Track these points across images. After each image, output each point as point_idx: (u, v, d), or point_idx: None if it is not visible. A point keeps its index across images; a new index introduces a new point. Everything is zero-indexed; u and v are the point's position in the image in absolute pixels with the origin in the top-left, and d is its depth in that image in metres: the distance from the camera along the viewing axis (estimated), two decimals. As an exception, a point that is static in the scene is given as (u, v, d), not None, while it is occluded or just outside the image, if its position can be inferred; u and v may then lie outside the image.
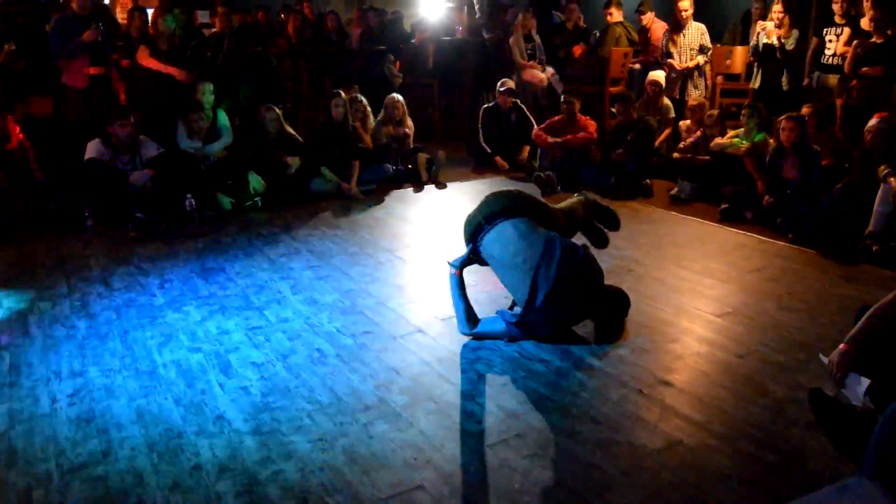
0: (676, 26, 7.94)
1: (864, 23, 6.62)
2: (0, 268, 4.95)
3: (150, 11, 8.16)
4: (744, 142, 6.21)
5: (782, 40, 7.46)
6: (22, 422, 2.98)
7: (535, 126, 7.48)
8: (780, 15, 7.44)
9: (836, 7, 6.96)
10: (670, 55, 7.94)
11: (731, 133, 6.49)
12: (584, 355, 3.48)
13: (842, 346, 2.83)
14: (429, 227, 5.79)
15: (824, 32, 7.06)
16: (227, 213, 6.16)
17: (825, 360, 2.94)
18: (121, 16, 7.94)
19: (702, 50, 7.90)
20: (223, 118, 6.71)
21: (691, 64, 7.88)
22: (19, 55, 6.35)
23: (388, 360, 3.47)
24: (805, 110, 6.07)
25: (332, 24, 9.67)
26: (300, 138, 6.91)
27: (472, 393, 3.15)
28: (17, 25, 6.68)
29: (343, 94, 7.02)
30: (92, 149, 5.79)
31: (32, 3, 7.06)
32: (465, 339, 3.67)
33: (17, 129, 6.10)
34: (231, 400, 3.12)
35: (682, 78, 7.91)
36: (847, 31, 6.85)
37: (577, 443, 2.76)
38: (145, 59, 6.74)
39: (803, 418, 2.90)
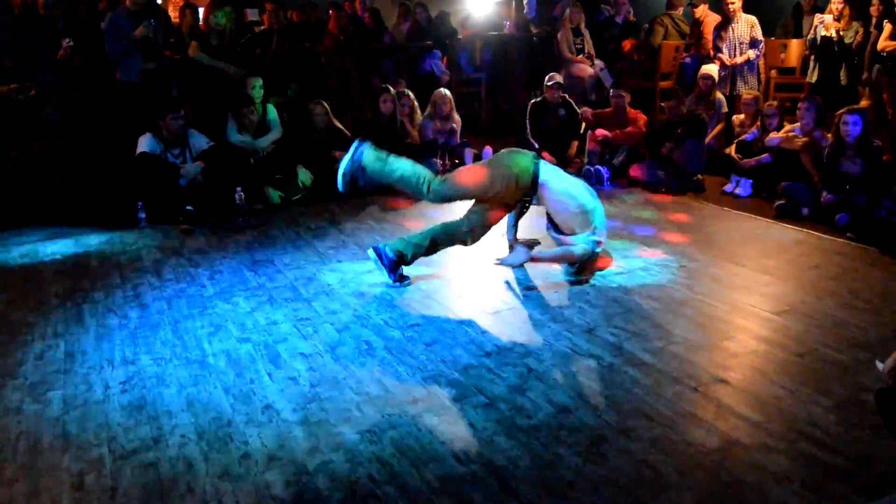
0: (725, 20, 7.75)
1: None
2: (56, 258, 5.06)
3: (200, 9, 8.28)
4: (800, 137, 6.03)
5: (841, 33, 7.24)
6: (76, 408, 3.02)
7: (583, 122, 7.39)
8: (840, 6, 7.22)
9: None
10: (719, 50, 7.75)
11: (787, 127, 6.31)
12: (637, 351, 3.40)
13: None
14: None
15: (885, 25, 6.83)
16: (275, 207, 6.21)
17: (881, 366, 2.82)
18: (173, 13, 8.09)
19: (753, 44, 7.68)
20: (272, 113, 6.76)
21: (740, 59, 7.67)
22: (76, 51, 6.49)
23: (437, 352, 3.44)
24: (864, 104, 5.87)
25: (368, 19, 9.66)
26: (348, 133, 6.93)
27: (522, 387, 3.10)
28: (76, 21, 6.83)
29: (391, 90, 7.01)
30: (143, 142, 5.89)
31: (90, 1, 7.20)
32: (515, 333, 3.63)
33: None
34: (280, 390, 3.12)
35: (731, 73, 7.72)
36: (889, 26, 6.61)
37: (630, 440, 2.69)
38: (196, 54, 6.82)
39: (868, 420, 2.78)
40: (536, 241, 4.55)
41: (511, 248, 4.61)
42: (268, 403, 3.01)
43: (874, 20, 7.04)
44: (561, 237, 4.43)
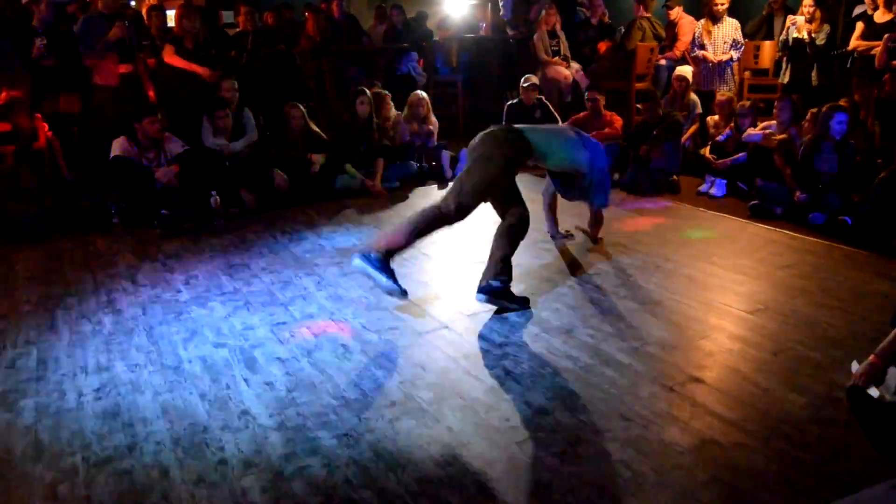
0: (712, 19, 7.85)
1: (877, 16, 6.56)
2: (28, 265, 4.99)
3: (169, 12, 8.22)
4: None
5: (812, 35, 7.34)
6: (48, 416, 2.98)
7: (560, 122, 7.41)
8: (811, 9, 7.32)
9: (867, 1, 6.84)
10: (703, 47, 7.84)
11: (762, 125, 6.38)
12: (613, 352, 3.42)
13: (871, 357, 2.74)
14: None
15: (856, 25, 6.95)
16: (251, 211, 6.17)
17: (855, 367, 2.85)
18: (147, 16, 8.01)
19: (734, 45, 7.80)
20: (248, 116, 6.72)
21: (724, 58, 7.79)
22: (50, 52, 6.41)
23: (414, 356, 3.43)
24: (841, 103, 5.96)
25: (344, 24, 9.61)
26: (324, 136, 6.91)
27: (499, 389, 3.10)
28: (47, 22, 6.74)
29: (368, 92, 7.00)
30: (118, 146, 5.84)
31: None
32: (492, 335, 3.63)
33: (46, 126, 6.15)
34: (256, 395, 3.10)
35: (713, 72, 7.83)
36: (860, 25, 6.74)
37: (607, 440, 2.71)
38: (171, 58, 6.77)
39: (841, 417, 2.81)
40: (571, 235, 5.10)
41: (553, 237, 5.13)
42: (244, 409, 2.99)
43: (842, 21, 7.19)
44: (574, 194, 4.53)
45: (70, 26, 6.91)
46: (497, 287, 3.87)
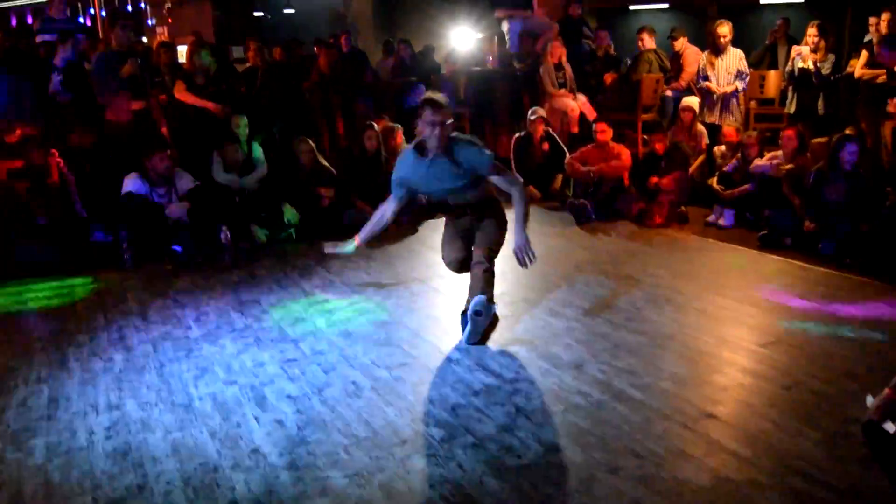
0: (715, 51, 7.90)
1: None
2: (40, 301, 5.02)
3: (180, 48, 8.35)
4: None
5: (818, 65, 7.38)
6: (59, 455, 2.98)
7: (568, 154, 7.45)
8: (816, 39, 7.37)
9: (872, 30, 6.90)
10: (707, 79, 7.89)
11: (768, 155, 6.39)
12: (625, 387, 3.39)
13: (886, 390, 2.72)
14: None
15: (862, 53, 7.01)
16: (261, 246, 6.20)
17: (870, 401, 2.84)
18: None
19: (739, 76, 7.84)
20: (258, 151, 6.78)
21: (729, 89, 7.82)
22: (66, 88, 6.51)
23: (425, 392, 3.42)
24: (848, 132, 5.97)
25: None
26: (333, 170, 6.95)
27: (510, 426, 3.08)
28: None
29: (376, 126, 7.06)
30: (129, 183, 5.89)
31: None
32: (503, 371, 3.62)
33: (61, 162, 6.22)
34: (266, 433, 3.09)
35: (718, 103, 7.86)
36: (865, 53, 6.78)
37: (620, 479, 2.68)
38: (182, 94, 6.86)
39: (857, 453, 2.79)
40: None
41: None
42: (254, 447, 2.98)
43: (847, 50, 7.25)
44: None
45: (84, 63, 7.02)
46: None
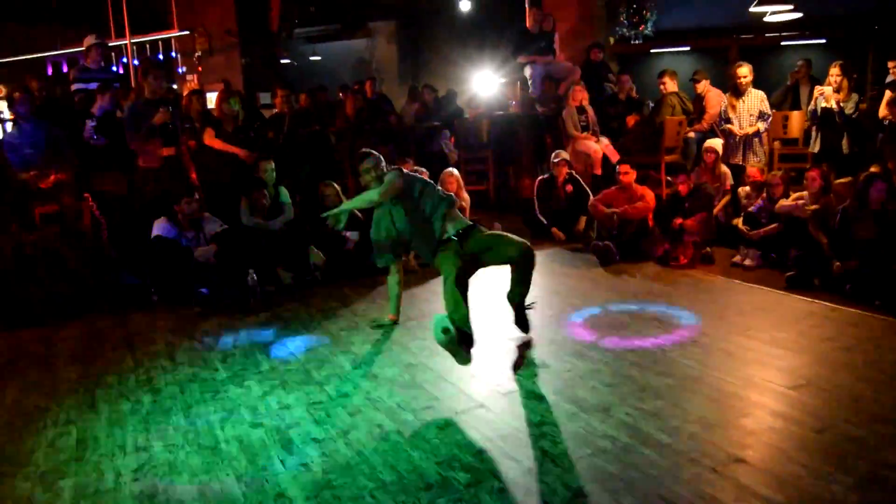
0: (736, 93, 7.94)
1: None
2: (69, 342, 5.10)
3: (210, 95, 8.55)
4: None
5: (841, 104, 7.39)
6: (87, 497, 3.00)
7: (591, 196, 7.48)
8: (839, 79, 7.39)
9: (892, 73, 6.92)
10: (729, 121, 7.91)
11: (794, 196, 6.37)
12: (652, 431, 3.36)
13: None
14: (486, 299, 5.76)
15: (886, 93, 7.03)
16: (287, 288, 6.26)
17: None
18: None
19: (762, 116, 7.86)
20: (284, 195, 6.89)
21: (751, 130, 7.84)
22: (99, 133, 6.69)
23: (450, 436, 3.41)
24: (873, 170, 5.95)
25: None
26: (359, 213, 7.03)
27: (537, 471, 3.05)
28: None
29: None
30: (158, 227, 6.01)
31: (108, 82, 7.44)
32: (528, 414, 3.60)
33: (95, 205, 6.36)
34: (292, 477, 3.09)
35: (741, 144, 7.87)
36: (889, 93, 6.78)
37: (649, 524, 2.64)
38: (211, 140, 7.02)
39: (890, 498, 2.73)
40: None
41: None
42: (280, 491, 2.98)
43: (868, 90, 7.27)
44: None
45: (116, 111, 7.21)
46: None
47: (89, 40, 8.09)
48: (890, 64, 7.12)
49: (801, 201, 6.22)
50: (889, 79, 7.25)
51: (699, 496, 2.81)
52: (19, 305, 5.66)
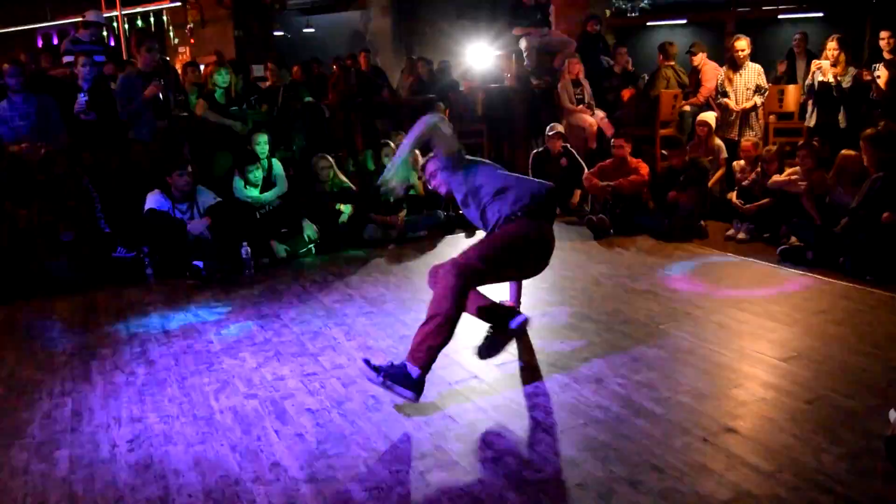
0: (733, 66, 7.90)
1: None
2: (64, 315, 5.10)
3: (202, 66, 8.47)
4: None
5: (838, 78, 7.35)
6: (83, 467, 3.02)
7: (586, 170, 7.46)
8: (836, 52, 7.34)
9: (882, 44, 6.89)
10: (726, 94, 7.88)
11: (788, 171, 6.37)
12: (645, 402, 3.38)
13: None
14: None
15: (872, 68, 7.01)
16: (281, 261, 6.26)
17: (893, 416, 2.81)
18: (181, 71, 8.29)
19: (758, 90, 7.83)
20: (278, 168, 6.86)
21: (748, 105, 7.81)
22: (91, 107, 6.62)
23: (444, 406, 3.43)
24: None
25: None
26: (353, 186, 7.01)
27: (530, 440, 3.08)
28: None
29: (392, 144, 7.12)
30: (151, 199, 5.98)
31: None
32: (521, 385, 3.62)
33: (86, 178, 6.30)
34: (287, 447, 3.11)
35: (738, 119, 7.85)
36: (885, 72, 6.76)
37: (640, 493, 2.67)
38: (204, 112, 6.96)
39: (880, 468, 2.76)
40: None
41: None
42: (275, 461, 3.00)
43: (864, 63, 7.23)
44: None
45: (109, 83, 7.14)
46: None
47: (90, 15, 8.02)
48: (883, 34, 7.05)
49: (794, 176, 6.22)
50: (884, 56, 7.18)
51: (690, 465, 2.84)
52: (14, 279, 5.64)
